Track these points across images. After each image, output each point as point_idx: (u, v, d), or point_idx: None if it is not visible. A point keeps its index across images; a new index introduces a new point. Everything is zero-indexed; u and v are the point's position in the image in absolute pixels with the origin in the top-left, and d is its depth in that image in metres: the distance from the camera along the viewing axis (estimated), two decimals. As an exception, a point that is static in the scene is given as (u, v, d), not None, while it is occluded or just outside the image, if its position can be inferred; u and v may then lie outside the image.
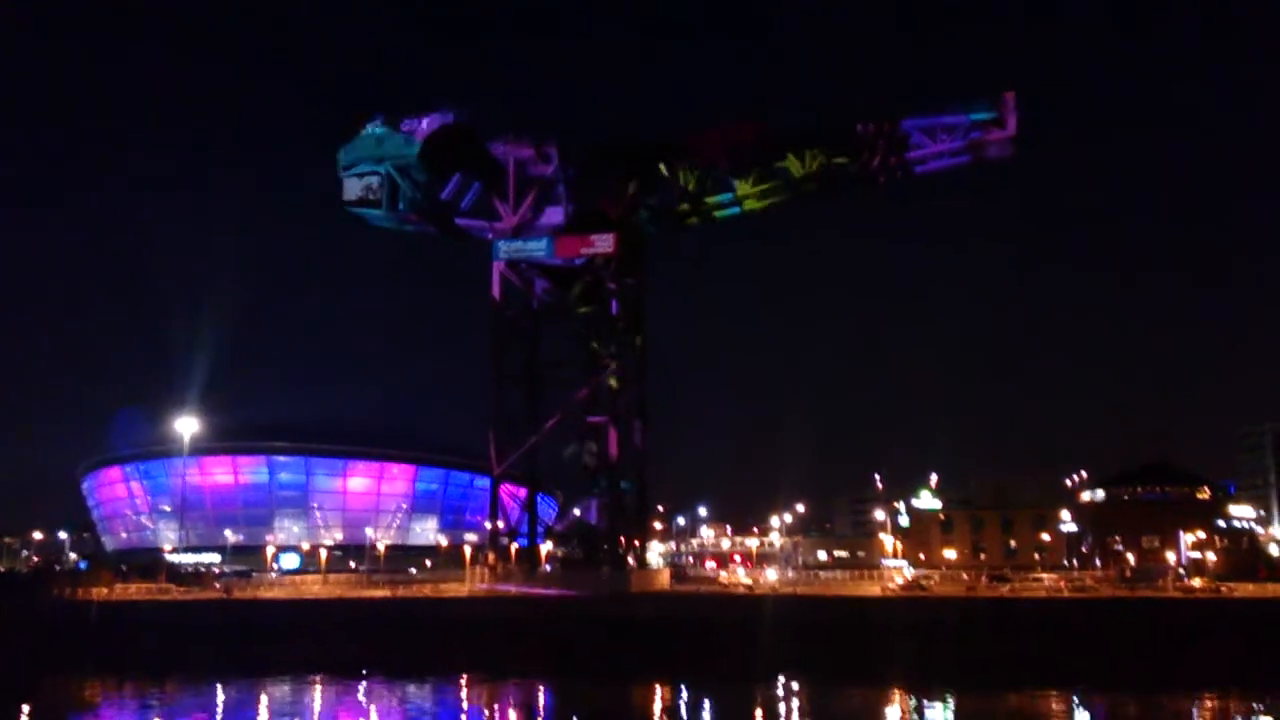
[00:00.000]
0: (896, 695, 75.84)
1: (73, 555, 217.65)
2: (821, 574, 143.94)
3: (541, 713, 74.15)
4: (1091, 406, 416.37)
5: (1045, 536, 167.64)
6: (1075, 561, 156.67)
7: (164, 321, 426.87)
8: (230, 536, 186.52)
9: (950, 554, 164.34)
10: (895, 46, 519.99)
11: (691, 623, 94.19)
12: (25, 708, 70.83)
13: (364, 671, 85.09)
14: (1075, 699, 73.96)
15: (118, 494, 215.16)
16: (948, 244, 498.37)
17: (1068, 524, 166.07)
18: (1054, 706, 72.35)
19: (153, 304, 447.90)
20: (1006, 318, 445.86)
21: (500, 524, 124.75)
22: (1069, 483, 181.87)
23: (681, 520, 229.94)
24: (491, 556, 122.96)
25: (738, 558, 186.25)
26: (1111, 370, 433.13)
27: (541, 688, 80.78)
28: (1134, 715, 72.15)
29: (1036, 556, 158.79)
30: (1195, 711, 70.68)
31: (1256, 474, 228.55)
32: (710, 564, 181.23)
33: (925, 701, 73.97)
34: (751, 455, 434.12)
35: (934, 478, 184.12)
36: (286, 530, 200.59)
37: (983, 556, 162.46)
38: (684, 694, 77.44)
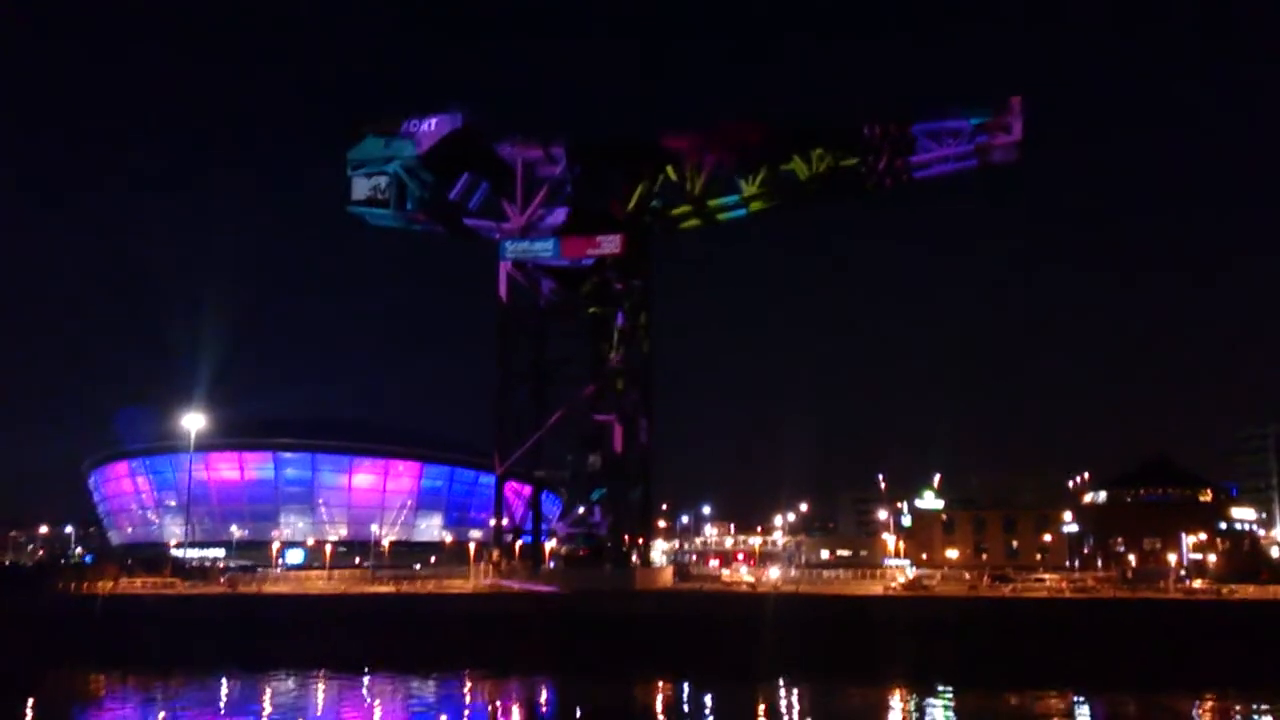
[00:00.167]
0: (898, 694, 76.02)
1: (78, 549, 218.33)
2: (824, 573, 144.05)
3: (544, 709, 74.48)
4: (1094, 407, 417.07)
5: (1047, 537, 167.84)
6: (1077, 562, 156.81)
7: (169, 319, 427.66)
8: (235, 532, 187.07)
9: (952, 554, 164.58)
10: (896, 48, 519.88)
11: (694, 621, 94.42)
12: (30, 701, 71.20)
13: (367, 667, 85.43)
14: (1076, 699, 74.07)
15: (124, 489, 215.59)
16: (950, 245, 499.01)
17: (1070, 525, 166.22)
18: (1055, 706, 72.35)
19: (157, 302, 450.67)
20: (1009, 318, 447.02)
21: (505, 521, 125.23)
22: (1071, 484, 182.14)
23: (685, 519, 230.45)
24: (496, 553, 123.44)
25: (741, 556, 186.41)
26: (1114, 371, 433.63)
27: (544, 684, 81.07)
28: (1134, 715, 72.21)
29: (1038, 557, 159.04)
30: (1196, 712, 70.64)
31: (1258, 476, 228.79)
32: (713, 562, 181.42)
33: (926, 700, 74.19)
34: (754, 454, 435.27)
35: (937, 478, 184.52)
36: (292, 526, 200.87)
37: (985, 556, 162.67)
38: (686, 692, 77.78)
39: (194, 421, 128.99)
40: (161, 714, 72.74)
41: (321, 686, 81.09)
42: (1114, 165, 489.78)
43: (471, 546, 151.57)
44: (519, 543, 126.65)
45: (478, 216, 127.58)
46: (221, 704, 74.87)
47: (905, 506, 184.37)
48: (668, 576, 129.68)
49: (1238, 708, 71.15)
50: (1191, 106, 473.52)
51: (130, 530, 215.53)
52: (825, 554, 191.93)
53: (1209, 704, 71.95)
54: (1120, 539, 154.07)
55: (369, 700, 76.70)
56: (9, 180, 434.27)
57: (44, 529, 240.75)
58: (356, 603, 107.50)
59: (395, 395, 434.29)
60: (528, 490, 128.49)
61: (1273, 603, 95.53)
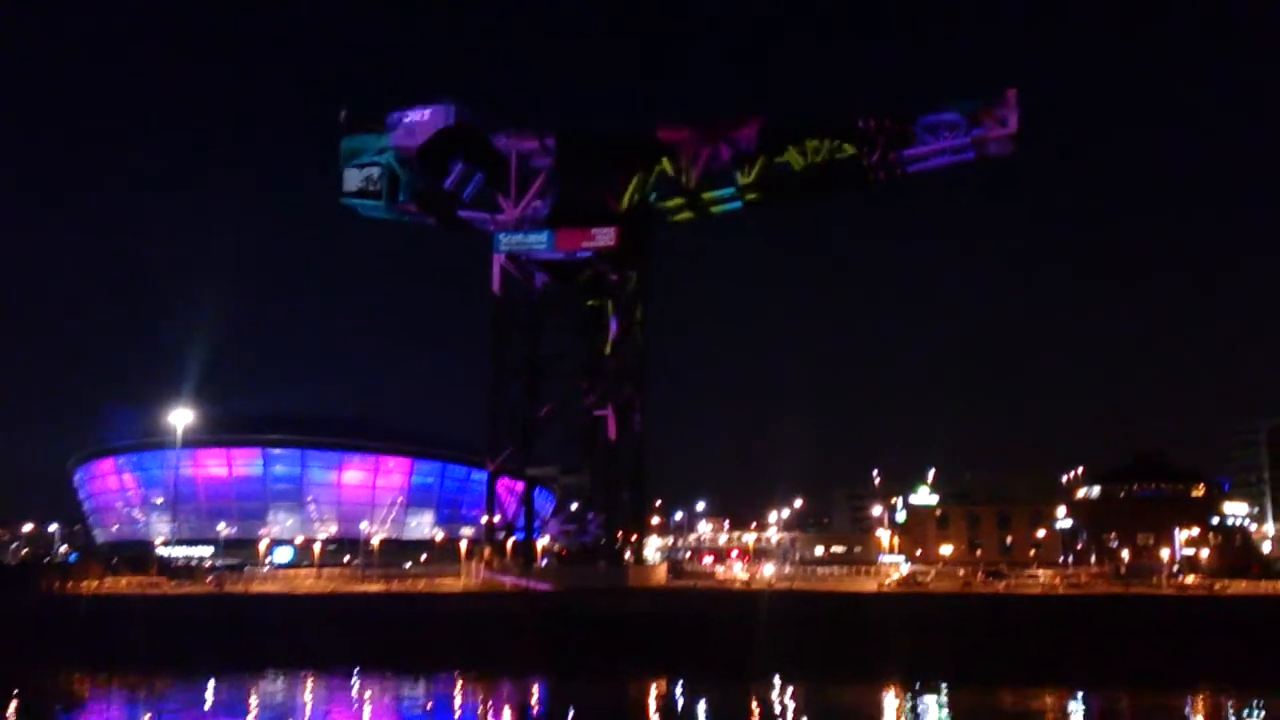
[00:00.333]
0: (892, 691, 75.57)
1: (63, 548, 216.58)
2: (818, 570, 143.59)
3: (536, 708, 73.70)
4: (1088, 403, 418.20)
5: (1041, 533, 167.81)
6: (1071, 558, 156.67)
7: (159, 316, 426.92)
8: (223, 529, 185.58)
9: (947, 550, 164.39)
10: (895, 49, 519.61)
11: (688, 618, 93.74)
12: (12, 704, 70.11)
13: (357, 667, 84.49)
14: (1070, 695, 73.76)
15: (109, 486, 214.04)
16: (946, 242, 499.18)
17: (1063, 520, 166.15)
18: (1049, 703, 72.17)
19: (148, 299, 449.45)
20: (1006, 316, 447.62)
21: (497, 518, 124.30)
22: (1065, 479, 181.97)
23: (679, 515, 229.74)
24: (488, 551, 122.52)
25: (735, 553, 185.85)
26: (1107, 367, 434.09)
27: (537, 683, 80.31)
28: (1128, 711, 72.11)
29: (1032, 553, 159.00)
30: (1189, 708, 70.60)
31: (1250, 471, 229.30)
32: (707, 559, 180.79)
33: (921, 698, 73.85)
34: (749, 451, 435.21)
35: (931, 473, 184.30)
36: (280, 523, 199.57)
37: (979, 552, 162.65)
38: (680, 690, 77.18)
39: (181, 417, 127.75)
40: (147, 715, 71.74)
41: (310, 687, 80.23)
42: (1113, 165, 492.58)
43: (463, 544, 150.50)
44: (511, 540, 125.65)
45: (471, 208, 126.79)
46: (208, 705, 73.77)
47: (900, 502, 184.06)
48: (662, 574, 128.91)
49: (1231, 703, 71.16)
50: (1191, 106, 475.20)
51: (116, 528, 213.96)
52: (820, 550, 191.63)
53: (1202, 700, 72.01)
54: (1114, 534, 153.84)
55: (358, 701, 75.82)
56: (8, 180, 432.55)
57: (29, 527, 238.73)
58: (346, 602, 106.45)
59: (388, 391, 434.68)
60: (520, 487, 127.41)
61: (1264, 598, 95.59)
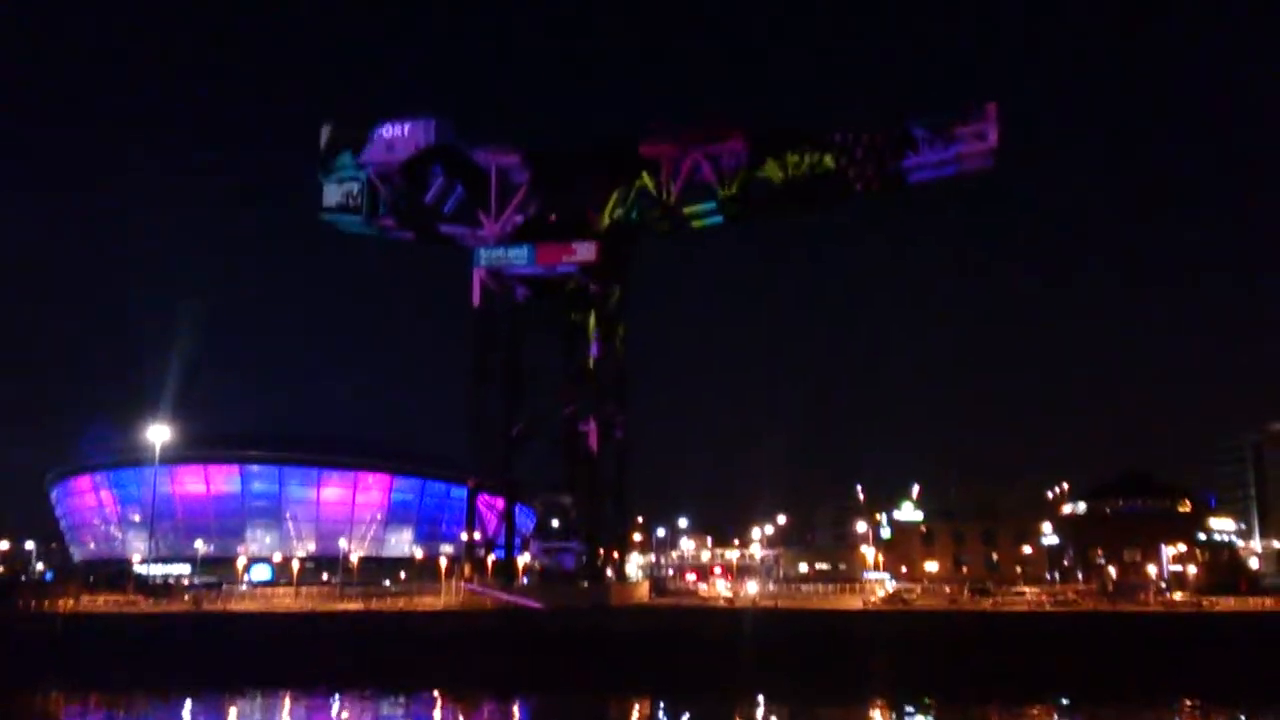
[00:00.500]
0: (878, 710, 74.83)
1: (39, 566, 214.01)
2: (803, 587, 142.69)
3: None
4: (1073, 418, 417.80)
5: (1027, 549, 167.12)
6: (1057, 574, 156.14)
7: (135, 329, 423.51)
8: (201, 547, 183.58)
9: (932, 566, 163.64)
10: (879, 58, 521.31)
11: (671, 636, 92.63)
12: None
13: (336, 687, 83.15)
14: (1058, 713, 72.94)
15: (86, 503, 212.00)
16: (931, 254, 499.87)
17: (1049, 536, 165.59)
18: (1038, 721, 71.42)
19: (125, 312, 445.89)
20: (989, 329, 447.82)
21: (477, 535, 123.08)
22: (1050, 495, 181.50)
23: (661, 532, 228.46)
24: (468, 568, 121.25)
25: (718, 570, 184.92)
26: (1092, 381, 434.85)
27: (518, 702, 79.36)
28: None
29: (1018, 569, 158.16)
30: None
31: (1237, 486, 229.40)
32: (690, 576, 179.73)
33: (907, 716, 72.95)
34: (732, 466, 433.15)
35: (915, 489, 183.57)
36: (259, 541, 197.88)
37: (964, 569, 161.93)
38: (663, 710, 76.24)
39: (159, 434, 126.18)
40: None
41: (289, 707, 78.92)
42: (1096, 175, 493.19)
43: (443, 562, 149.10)
44: (492, 557, 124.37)
45: (452, 222, 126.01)
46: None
47: (884, 518, 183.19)
48: (644, 591, 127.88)
49: (1220, 720, 70.43)
50: (1191, 111, 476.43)
51: (93, 546, 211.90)
52: (804, 567, 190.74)
53: (1191, 717, 71.12)
54: (1100, 551, 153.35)
55: (337, 721, 74.49)
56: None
57: (4, 545, 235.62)
58: (325, 621, 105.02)
59: (367, 407, 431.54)
60: (501, 503, 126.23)
61: (1253, 615, 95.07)
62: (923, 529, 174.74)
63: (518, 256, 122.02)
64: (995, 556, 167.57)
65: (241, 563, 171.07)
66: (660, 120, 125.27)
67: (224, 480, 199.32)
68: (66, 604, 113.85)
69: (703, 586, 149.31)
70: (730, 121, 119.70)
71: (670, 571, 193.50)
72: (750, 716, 71.76)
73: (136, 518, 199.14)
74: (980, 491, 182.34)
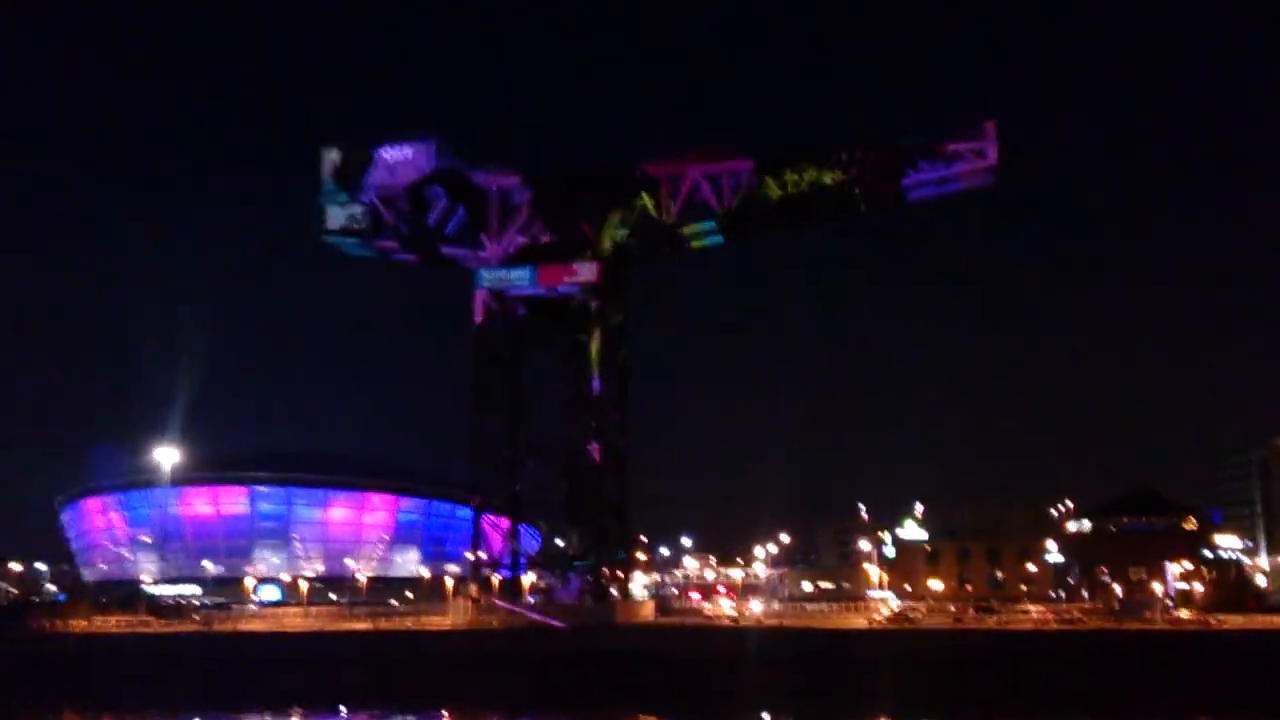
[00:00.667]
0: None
1: (51, 587, 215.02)
2: (807, 606, 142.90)
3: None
4: (1077, 435, 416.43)
5: (1032, 567, 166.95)
6: (1062, 593, 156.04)
7: (143, 352, 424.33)
8: (210, 568, 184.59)
9: (936, 585, 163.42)
10: (878, 78, 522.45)
11: (676, 655, 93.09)
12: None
13: (345, 706, 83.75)
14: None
15: (97, 525, 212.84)
16: (932, 273, 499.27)
17: (1054, 555, 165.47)
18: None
19: (133, 334, 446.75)
20: (991, 348, 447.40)
21: (482, 555, 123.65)
22: (1055, 512, 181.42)
23: (665, 551, 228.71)
24: (474, 588, 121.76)
25: (722, 589, 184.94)
26: (1097, 399, 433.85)
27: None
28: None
29: (1023, 588, 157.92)
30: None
31: (1243, 503, 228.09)
32: (695, 595, 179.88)
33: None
34: (736, 485, 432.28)
35: (919, 508, 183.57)
36: (267, 561, 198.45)
37: (969, 587, 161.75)
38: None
39: (167, 456, 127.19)
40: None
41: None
42: (1098, 192, 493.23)
43: (449, 581, 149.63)
44: (497, 577, 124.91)
45: (454, 244, 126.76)
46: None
47: (888, 537, 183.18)
48: (649, 610, 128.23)
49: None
50: (1189, 120, 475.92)
51: (104, 567, 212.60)
52: (808, 586, 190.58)
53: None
54: (1105, 569, 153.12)
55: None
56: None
57: (16, 566, 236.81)
58: (333, 641, 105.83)
59: (371, 426, 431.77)
60: (505, 523, 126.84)
61: (1261, 632, 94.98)
62: (927, 547, 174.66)
63: (520, 277, 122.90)
64: (1000, 575, 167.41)
65: (250, 583, 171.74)
66: (663, 145, 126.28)
67: (232, 501, 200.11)
68: (79, 625, 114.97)
69: (707, 605, 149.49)
70: (735, 147, 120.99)
71: (675, 590, 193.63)
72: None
73: (146, 539, 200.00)
74: (984, 509, 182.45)
